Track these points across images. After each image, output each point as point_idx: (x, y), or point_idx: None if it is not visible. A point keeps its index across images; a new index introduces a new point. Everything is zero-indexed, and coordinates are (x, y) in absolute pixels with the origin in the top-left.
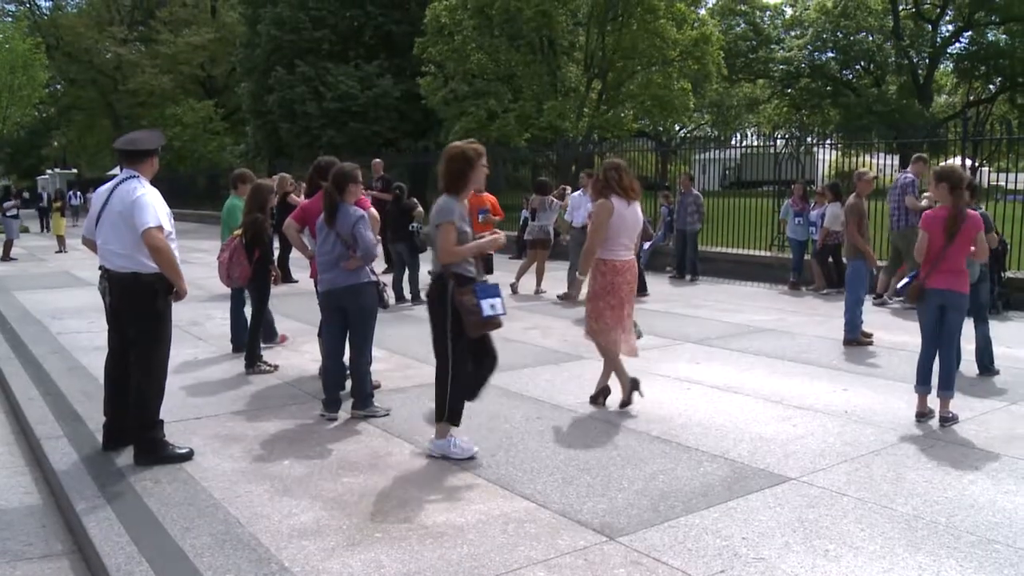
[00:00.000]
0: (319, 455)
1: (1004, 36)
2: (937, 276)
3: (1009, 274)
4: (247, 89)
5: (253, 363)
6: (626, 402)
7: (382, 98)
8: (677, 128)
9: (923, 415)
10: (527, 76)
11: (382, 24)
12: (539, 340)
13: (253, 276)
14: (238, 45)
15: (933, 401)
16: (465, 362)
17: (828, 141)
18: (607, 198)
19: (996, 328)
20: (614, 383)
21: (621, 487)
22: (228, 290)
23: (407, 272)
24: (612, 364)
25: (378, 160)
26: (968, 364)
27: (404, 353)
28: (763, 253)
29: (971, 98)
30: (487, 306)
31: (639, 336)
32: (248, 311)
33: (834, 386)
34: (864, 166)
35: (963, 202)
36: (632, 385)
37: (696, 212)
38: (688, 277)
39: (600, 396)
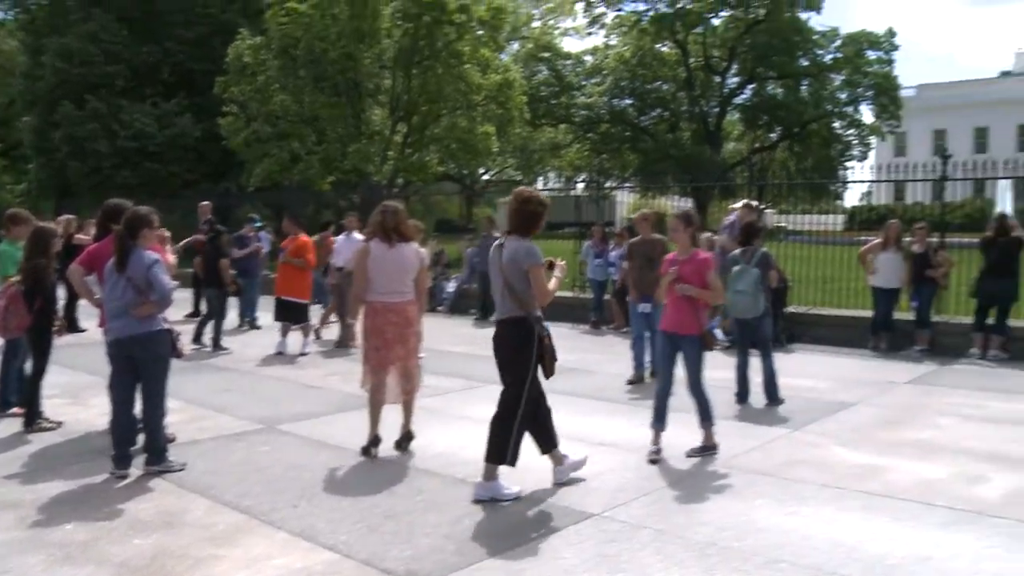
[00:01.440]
0: (107, 516)
1: (781, 90)
2: None
3: (791, 309)
4: (29, 124)
5: (33, 420)
6: (366, 450)
7: (180, 137)
8: (481, 171)
9: (714, 447)
10: (332, 118)
11: (182, 61)
12: (340, 386)
13: (33, 326)
14: (17, 75)
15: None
16: (532, 403)
17: (627, 184)
18: (368, 241)
19: (781, 360)
20: (418, 425)
21: (426, 532)
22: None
23: (211, 318)
24: (372, 408)
25: (206, 203)
26: (756, 395)
27: (201, 403)
28: (565, 293)
29: (756, 145)
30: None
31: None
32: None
33: (632, 422)
34: (661, 208)
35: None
36: (372, 441)
37: None
38: (492, 319)
39: (403, 441)
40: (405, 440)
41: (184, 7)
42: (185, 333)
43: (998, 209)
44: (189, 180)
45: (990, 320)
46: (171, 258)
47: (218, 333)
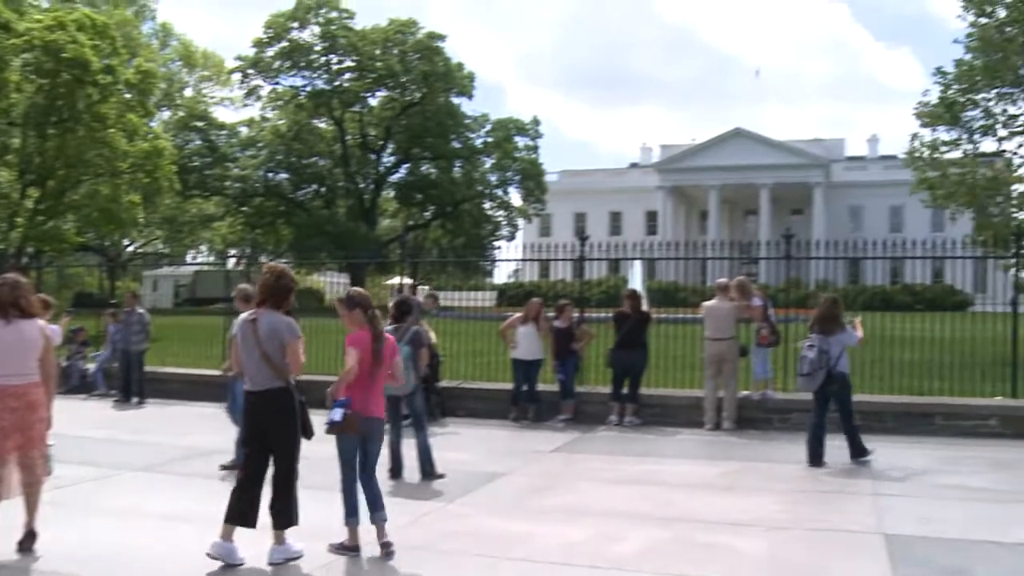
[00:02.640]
0: None
1: (435, 170)
2: (371, 402)
3: (443, 384)
4: None
5: None
6: None
7: None
8: (126, 243)
9: (356, 548)
10: None
11: None
12: None
13: None
14: None
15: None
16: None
17: (281, 260)
18: None
19: (435, 434)
20: (43, 521)
21: None
22: None
23: None
24: None
25: None
26: (411, 470)
27: None
28: (216, 372)
29: (411, 223)
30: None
31: (49, 473)
32: None
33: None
34: (317, 284)
35: (380, 323)
36: None
37: (142, 331)
38: (135, 400)
39: (26, 540)
40: (28, 539)
41: None
42: None
43: (630, 286)
44: None
45: (625, 389)
46: None
47: None
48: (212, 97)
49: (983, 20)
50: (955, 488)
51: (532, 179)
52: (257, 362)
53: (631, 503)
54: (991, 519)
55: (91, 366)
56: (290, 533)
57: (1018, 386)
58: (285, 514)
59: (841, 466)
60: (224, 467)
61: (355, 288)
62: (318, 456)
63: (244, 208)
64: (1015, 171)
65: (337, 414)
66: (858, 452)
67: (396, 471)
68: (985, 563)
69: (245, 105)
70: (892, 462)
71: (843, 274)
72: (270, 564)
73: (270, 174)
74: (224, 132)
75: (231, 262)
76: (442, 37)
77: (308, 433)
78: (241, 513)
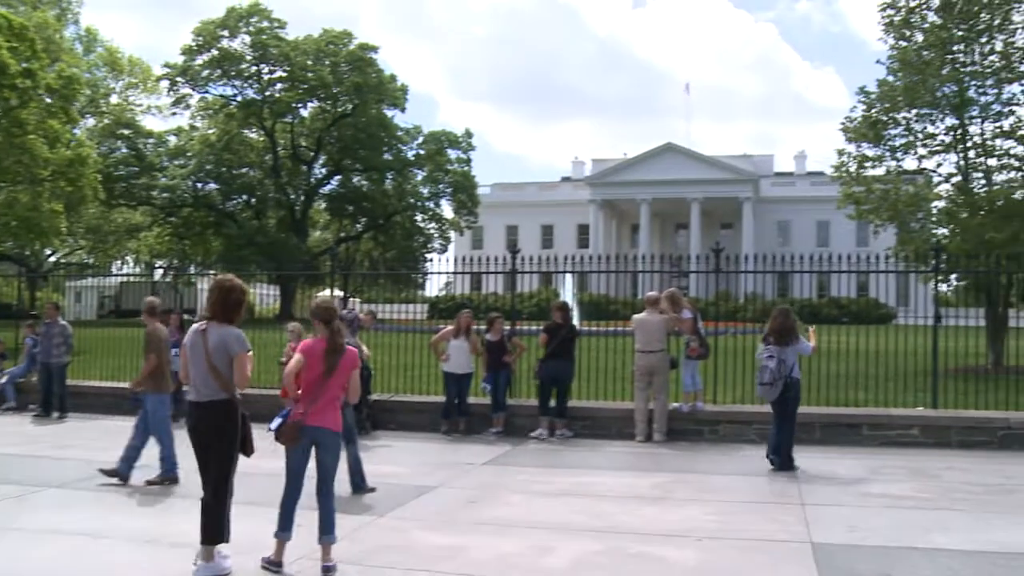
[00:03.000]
0: None
1: (367, 182)
2: (317, 412)
3: (375, 397)
4: None
5: None
6: None
7: None
8: (48, 252)
9: (279, 564)
10: None
11: None
12: None
13: None
14: None
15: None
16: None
17: (211, 271)
18: None
19: (366, 447)
20: None
21: None
22: None
23: None
24: None
25: None
26: (342, 484)
27: None
28: (123, 385)
29: (342, 235)
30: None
31: None
32: None
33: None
34: (248, 296)
35: (341, 336)
36: None
37: (64, 343)
38: (56, 415)
39: None
40: None
41: None
42: None
43: (561, 299)
44: None
45: (554, 401)
46: None
47: None
48: (139, 105)
49: (903, 43)
50: (880, 496)
51: (464, 192)
52: (204, 374)
53: (563, 515)
54: (913, 526)
55: (4, 379)
56: (224, 547)
57: (938, 397)
58: (215, 529)
59: (771, 476)
60: (150, 482)
61: (319, 299)
62: (263, 470)
63: (172, 218)
64: (934, 188)
65: (274, 423)
66: (787, 464)
67: None
68: (905, 569)
69: (174, 114)
70: (821, 472)
71: (771, 287)
72: None
73: (199, 184)
74: (152, 141)
75: (158, 273)
76: (375, 49)
77: (248, 450)
78: (211, 532)
